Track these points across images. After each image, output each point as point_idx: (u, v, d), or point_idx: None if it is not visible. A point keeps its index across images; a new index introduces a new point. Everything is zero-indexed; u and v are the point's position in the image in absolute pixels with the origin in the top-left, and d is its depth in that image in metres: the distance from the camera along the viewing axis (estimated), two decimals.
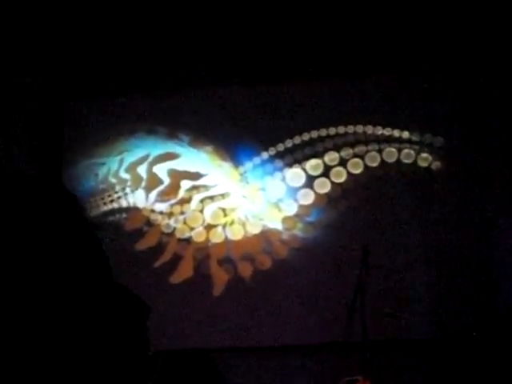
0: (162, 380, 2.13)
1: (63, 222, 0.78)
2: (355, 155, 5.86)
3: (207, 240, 5.88)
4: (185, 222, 5.92)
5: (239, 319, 5.73)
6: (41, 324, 0.69)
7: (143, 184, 6.02)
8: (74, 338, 0.70)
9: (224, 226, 5.89)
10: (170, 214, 5.93)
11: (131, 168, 6.05)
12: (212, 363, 2.20)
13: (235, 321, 5.72)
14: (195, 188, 5.96)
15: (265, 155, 5.94)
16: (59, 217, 0.78)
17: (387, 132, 5.86)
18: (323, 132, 5.90)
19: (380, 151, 5.85)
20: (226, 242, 5.87)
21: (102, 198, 6.01)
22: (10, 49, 5.84)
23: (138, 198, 5.99)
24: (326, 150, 5.88)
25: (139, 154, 6.06)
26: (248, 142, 5.94)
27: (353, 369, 4.94)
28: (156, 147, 6.05)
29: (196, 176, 5.97)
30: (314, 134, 5.90)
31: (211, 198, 5.94)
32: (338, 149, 5.87)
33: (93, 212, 5.98)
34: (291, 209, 5.85)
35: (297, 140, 5.91)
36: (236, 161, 5.96)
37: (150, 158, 6.04)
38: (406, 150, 5.84)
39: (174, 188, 5.98)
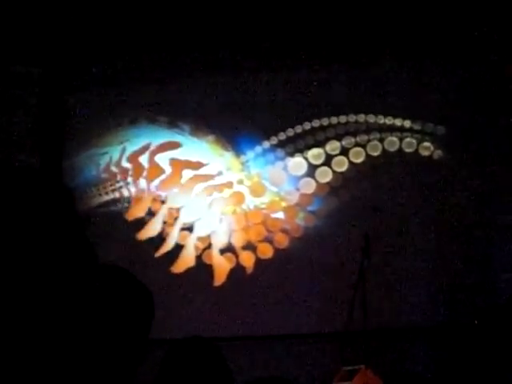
0: (166, 369, 2.14)
1: (55, 217, 0.77)
2: (357, 144, 5.86)
3: (209, 229, 5.88)
4: (186, 211, 5.92)
5: (240, 308, 5.74)
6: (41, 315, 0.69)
7: (145, 173, 6.01)
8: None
9: (225, 215, 5.90)
10: (172, 204, 5.93)
11: (133, 157, 6.04)
12: (217, 351, 2.21)
13: (237, 310, 5.74)
14: (197, 177, 5.96)
15: (266, 144, 5.93)
16: (52, 212, 0.77)
17: (389, 121, 5.85)
18: (325, 121, 5.89)
19: (382, 140, 5.85)
20: (228, 231, 5.87)
21: (104, 188, 6.02)
22: (10, 39, 5.83)
23: (139, 188, 5.99)
24: (328, 139, 5.87)
25: (140, 143, 6.05)
26: (249, 131, 5.93)
27: (354, 358, 4.96)
28: (157, 136, 6.04)
29: (197, 165, 5.97)
30: (316, 123, 5.89)
31: (213, 187, 5.93)
32: (339, 138, 5.87)
33: (95, 201, 5.98)
34: (293, 198, 5.86)
35: (298, 129, 5.90)
36: (237, 150, 5.95)
37: (152, 148, 6.04)
38: (407, 139, 5.83)
39: (175, 177, 5.98)
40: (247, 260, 5.82)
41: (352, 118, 5.87)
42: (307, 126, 5.90)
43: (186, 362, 2.13)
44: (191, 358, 2.15)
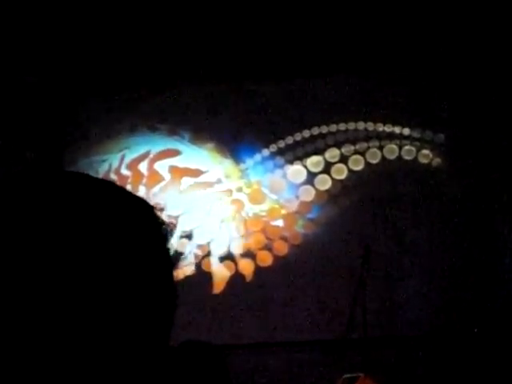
0: (169, 375, 2.14)
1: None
2: (356, 152, 5.87)
3: (208, 237, 5.88)
4: (186, 219, 5.92)
5: (240, 316, 5.73)
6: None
7: (144, 181, 6.02)
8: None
9: (225, 222, 5.90)
10: (171, 211, 5.93)
11: (132, 165, 6.05)
12: (217, 355, 2.20)
13: (236, 317, 5.73)
14: (196, 185, 5.96)
15: (265, 152, 5.94)
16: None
17: (388, 129, 5.86)
18: (324, 129, 5.90)
19: (381, 148, 5.86)
20: (227, 238, 5.87)
21: None
22: (11, 47, 5.84)
23: (138, 195, 5.98)
24: (327, 147, 5.88)
25: (140, 150, 6.06)
26: (249, 138, 5.94)
27: (353, 365, 4.95)
28: (157, 144, 6.05)
29: (197, 173, 5.97)
30: (315, 130, 5.90)
31: (212, 194, 5.94)
32: (338, 145, 5.88)
33: None
34: (292, 205, 5.86)
35: (297, 137, 5.91)
36: (237, 158, 5.96)
37: (151, 155, 6.04)
38: (406, 147, 5.84)
39: (174, 185, 5.98)
40: (246, 268, 5.82)
41: (351, 125, 5.88)
42: (306, 133, 5.91)
43: (187, 366, 2.13)
44: (192, 362, 2.14)
